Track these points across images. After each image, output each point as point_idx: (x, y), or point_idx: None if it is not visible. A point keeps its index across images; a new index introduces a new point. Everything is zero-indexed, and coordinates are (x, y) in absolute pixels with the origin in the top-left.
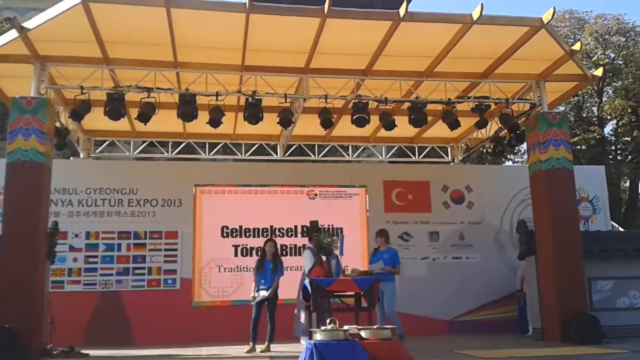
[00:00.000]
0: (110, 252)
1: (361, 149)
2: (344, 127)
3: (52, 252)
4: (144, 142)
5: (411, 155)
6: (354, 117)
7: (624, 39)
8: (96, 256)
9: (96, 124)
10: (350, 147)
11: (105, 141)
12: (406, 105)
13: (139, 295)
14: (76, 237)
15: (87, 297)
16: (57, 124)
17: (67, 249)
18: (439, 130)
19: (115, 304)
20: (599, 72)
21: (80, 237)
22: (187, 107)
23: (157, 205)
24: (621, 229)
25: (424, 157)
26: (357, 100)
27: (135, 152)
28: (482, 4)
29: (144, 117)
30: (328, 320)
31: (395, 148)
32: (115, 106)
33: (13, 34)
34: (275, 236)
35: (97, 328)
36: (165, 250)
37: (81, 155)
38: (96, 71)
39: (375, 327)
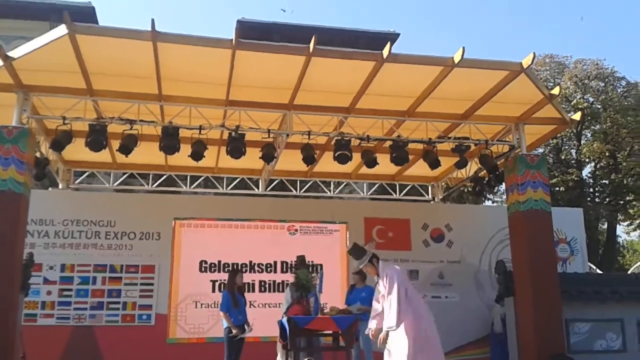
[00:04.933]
0: (85, 285)
1: (343, 185)
2: (326, 164)
3: (26, 284)
4: (124, 173)
5: (392, 192)
6: (336, 154)
7: (602, 84)
8: (71, 289)
9: (77, 155)
10: (332, 183)
11: (85, 172)
12: (388, 143)
13: (113, 331)
14: (51, 269)
15: (60, 331)
16: (37, 154)
17: (41, 282)
18: (419, 168)
19: (89, 339)
20: (577, 116)
21: (55, 270)
22: (169, 140)
23: (135, 238)
24: (599, 271)
25: (404, 194)
26: (339, 138)
27: (115, 184)
28: (463, 48)
29: (126, 149)
30: None
31: (377, 185)
32: (97, 137)
33: None
34: (255, 271)
35: None
36: (141, 284)
37: (60, 186)
38: (79, 102)
39: None
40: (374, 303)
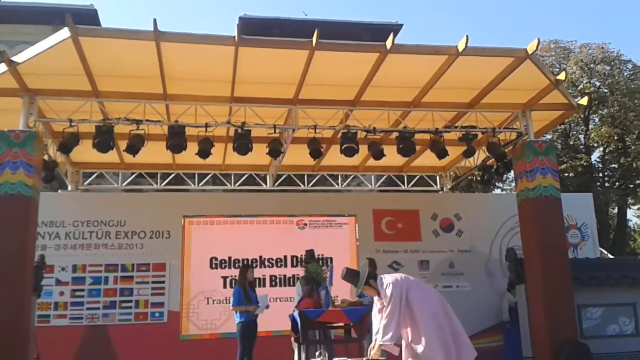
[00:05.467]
0: (97, 285)
1: (350, 178)
2: (333, 157)
3: (38, 286)
4: (132, 173)
5: (400, 184)
6: (342, 147)
7: (608, 68)
8: (83, 290)
9: (84, 157)
10: (339, 177)
11: (93, 173)
12: (394, 135)
13: (126, 329)
14: (63, 270)
15: (73, 331)
16: (45, 157)
17: (53, 283)
18: (427, 159)
19: (102, 338)
20: (584, 100)
21: (67, 271)
22: (176, 139)
23: (145, 237)
24: (610, 256)
25: (412, 185)
26: (345, 130)
27: (123, 184)
28: (467, 36)
29: (133, 149)
30: (317, 353)
31: (385, 177)
32: (104, 138)
33: (2, 67)
34: (265, 266)
35: None
36: (153, 282)
37: (69, 188)
38: (85, 104)
39: (365, 359)
40: (373, 316)
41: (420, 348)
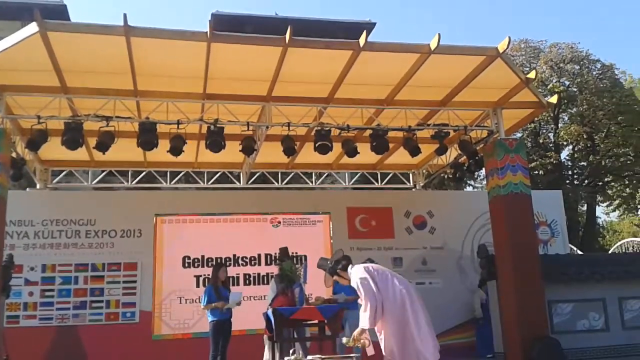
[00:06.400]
0: (67, 285)
1: (324, 175)
2: (307, 155)
3: (7, 286)
4: (102, 171)
5: (374, 181)
6: (316, 145)
7: (578, 67)
8: (53, 290)
9: (53, 154)
10: (313, 174)
11: (62, 171)
12: (368, 132)
13: (97, 330)
14: (32, 270)
15: (43, 332)
16: (14, 155)
17: (22, 283)
18: (400, 157)
19: (73, 338)
20: (553, 99)
21: (36, 270)
22: (147, 136)
23: (116, 236)
24: (579, 252)
25: (386, 183)
26: (319, 128)
27: (93, 182)
28: (439, 34)
29: (103, 147)
30: (291, 351)
31: (358, 175)
32: (73, 135)
33: None
34: (239, 265)
35: None
36: (124, 282)
37: (38, 186)
38: (54, 100)
39: (338, 356)
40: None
41: (381, 339)
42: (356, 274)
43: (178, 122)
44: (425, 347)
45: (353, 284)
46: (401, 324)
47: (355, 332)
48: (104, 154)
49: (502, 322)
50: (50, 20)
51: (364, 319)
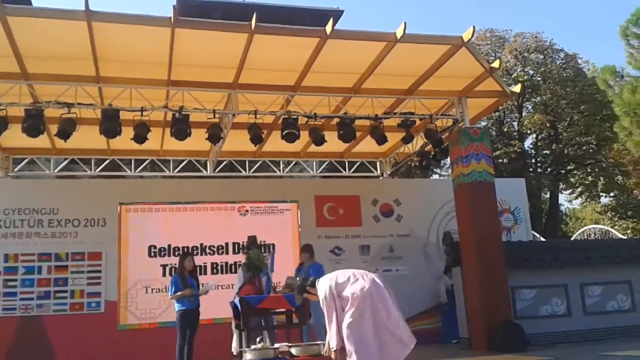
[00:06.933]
0: (31, 275)
1: (292, 164)
2: (275, 143)
3: None
4: (65, 159)
5: (342, 170)
6: (284, 133)
7: (542, 57)
8: (15, 280)
9: (14, 142)
10: (281, 163)
11: (24, 159)
12: (335, 120)
13: (62, 320)
14: None
15: (6, 322)
16: None
17: None
18: (367, 145)
19: (37, 329)
20: (517, 88)
21: None
22: (110, 123)
23: (80, 225)
24: (542, 239)
25: (354, 171)
26: (286, 116)
27: (56, 170)
28: (405, 23)
29: (64, 134)
30: (258, 339)
31: (326, 163)
32: (34, 122)
33: None
34: (206, 254)
35: (18, 355)
36: (89, 272)
37: None
38: (14, 86)
39: (305, 343)
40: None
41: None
42: (321, 292)
43: (142, 109)
44: (400, 330)
45: (320, 302)
46: (368, 320)
47: (325, 349)
48: (65, 141)
49: (466, 308)
50: (11, 4)
51: (332, 339)
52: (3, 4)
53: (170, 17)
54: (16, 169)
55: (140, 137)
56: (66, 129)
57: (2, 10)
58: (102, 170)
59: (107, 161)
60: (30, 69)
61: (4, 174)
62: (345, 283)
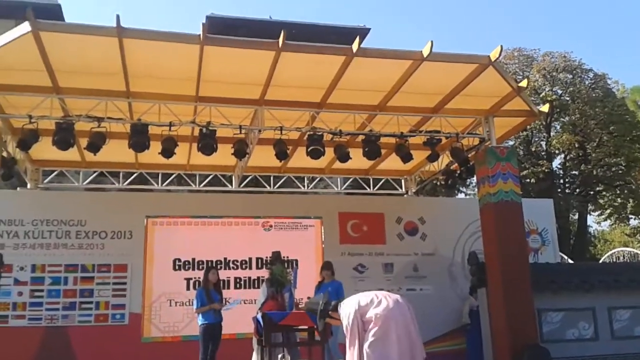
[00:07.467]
0: (57, 285)
1: (317, 180)
2: (299, 159)
3: None
4: (94, 172)
5: (366, 187)
6: (309, 149)
7: (570, 76)
8: (42, 290)
9: (45, 154)
10: (305, 179)
11: (53, 171)
12: (360, 137)
13: (86, 331)
14: (21, 270)
15: (32, 332)
16: (4, 154)
17: (12, 282)
18: (392, 162)
19: (62, 339)
20: (545, 108)
21: (25, 270)
22: (138, 137)
23: (107, 237)
24: (570, 261)
25: (378, 189)
26: (312, 132)
27: (84, 183)
28: (431, 41)
29: (94, 147)
30: (280, 356)
31: (351, 180)
32: (64, 136)
33: None
34: (230, 268)
35: None
36: (114, 284)
37: (28, 186)
38: (45, 100)
39: None
40: None
41: None
42: (344, 317)
43: (170, 124)
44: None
45: (343, 327)
46: (392, 341)
47: None
48: (95, 154)
49: (491, 330)
50: (44, 20)
51: None
52: (36, 20)
53: (200, 35)
54: (46, 181)
55: (167, 152)
56: (96, 143)
57: (35, 25)
58: (129, 183)
59: (135, 174)
60: (61, 83)
61: (34, 186)
62: (369, 305)
